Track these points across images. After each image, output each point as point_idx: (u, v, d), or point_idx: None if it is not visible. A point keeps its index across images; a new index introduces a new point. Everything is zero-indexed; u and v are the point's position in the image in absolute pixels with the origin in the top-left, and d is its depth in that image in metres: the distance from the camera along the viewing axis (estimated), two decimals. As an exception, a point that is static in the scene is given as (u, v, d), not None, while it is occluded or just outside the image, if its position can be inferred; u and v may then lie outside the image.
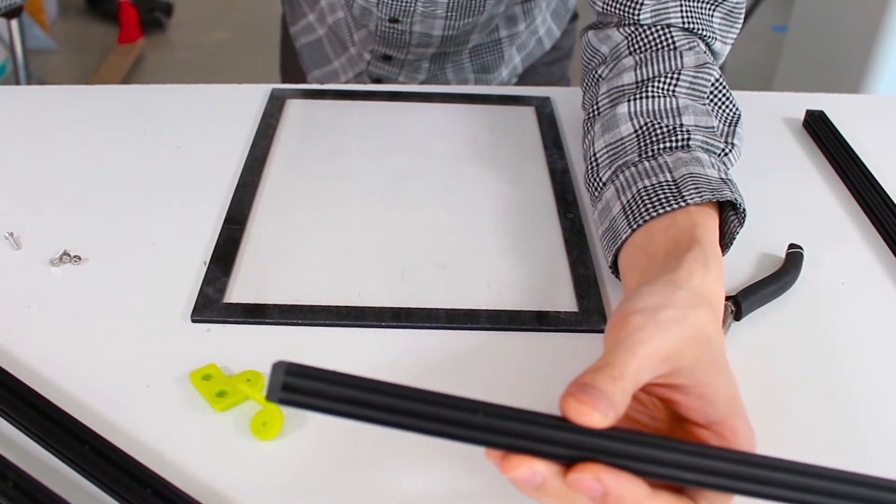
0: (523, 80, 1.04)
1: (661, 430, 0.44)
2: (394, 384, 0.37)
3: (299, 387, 0.35)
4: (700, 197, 0.53)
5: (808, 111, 0.81)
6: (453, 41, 0.92)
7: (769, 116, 0.83)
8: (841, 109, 0.82)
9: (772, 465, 0.38)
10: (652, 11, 0.65)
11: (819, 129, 0.79)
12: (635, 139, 0.59)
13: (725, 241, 0.57)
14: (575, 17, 1.07)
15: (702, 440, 0.42)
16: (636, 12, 0.65)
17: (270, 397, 0.36)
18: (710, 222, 0.53)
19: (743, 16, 0.67)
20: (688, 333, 0.42)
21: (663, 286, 0.45)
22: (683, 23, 0.65)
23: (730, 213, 0.56)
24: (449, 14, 0.86)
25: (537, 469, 0.37)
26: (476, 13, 0.87)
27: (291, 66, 1.08)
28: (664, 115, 0.60)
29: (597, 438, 0.37)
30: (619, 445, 0.37)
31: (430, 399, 0.37)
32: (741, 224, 0.56)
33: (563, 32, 1.05)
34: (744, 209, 0.55)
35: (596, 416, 0.38)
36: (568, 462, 0.37)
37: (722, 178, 0.56)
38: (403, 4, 0.85)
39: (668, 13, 0.65)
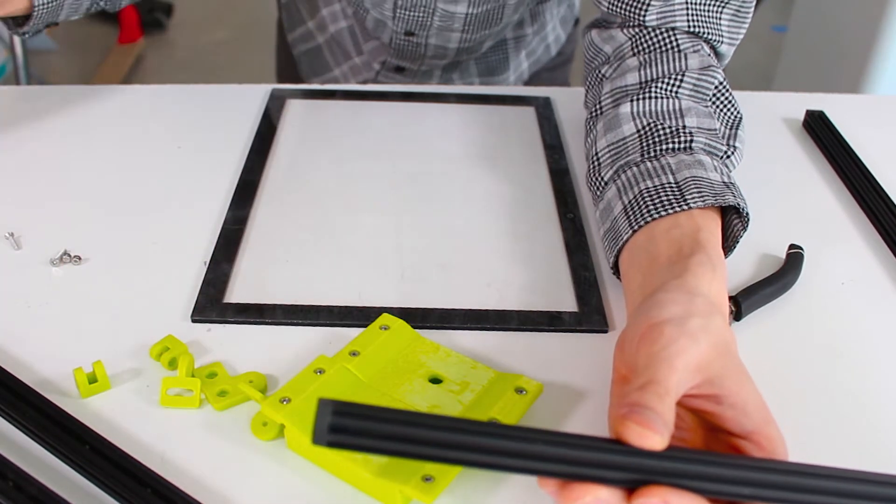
0: (527, 85, 1.04)
1: (696, 443, 0.44)
2: (447, 417, 0.36)
3: (348, 427, 0.33)
4: (703, 201, 0.53)
5: (808, 111, 0.81)
6: (468, 51, 0.92)
7: (769, 116, 0.83)
8: (841, 109, 0.82)
9: (827, 475, 0.38)
10: (658, 14, 0.64)
11: (819, 129, 0.79)
12: (637, 139, 0.59)
13: (729, 245, 0.57)
14: (577, 22, 1.07)
15: (740, 450, 0.42)
16: (642, 14, 0.65)
17: (318, 441, 0.33)
18: (713, 226, 0.53)
19: (751, 13, 0.66)
20: (713, 342, 0.42)
21: (680, 293, 0.45)
22: (689, 27, 0.64)
23: (733, 217, 0.56)
24: (466, 27, 0.86)
25: (602, 497, 0.36)
26: (493, 25, 0.87)
27: (288, 73, 1.06)
28: (667, 117, 0.60)
29: (656, 460, 0.37)
30: (678, 465, 0.37)
31: (486, 431, 0.35)
32: (745, 228, 0.56)
33: (568, 38, 1.05)
34: (747, 213, 0.55)
35: (656, 438, 0.37)
36: (628, 487, 0.37)
37: (724, 182, 0.55)
38: (420, 18, 0.85)
39: (675, 16, 0.64)
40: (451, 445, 0.35)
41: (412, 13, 0.84)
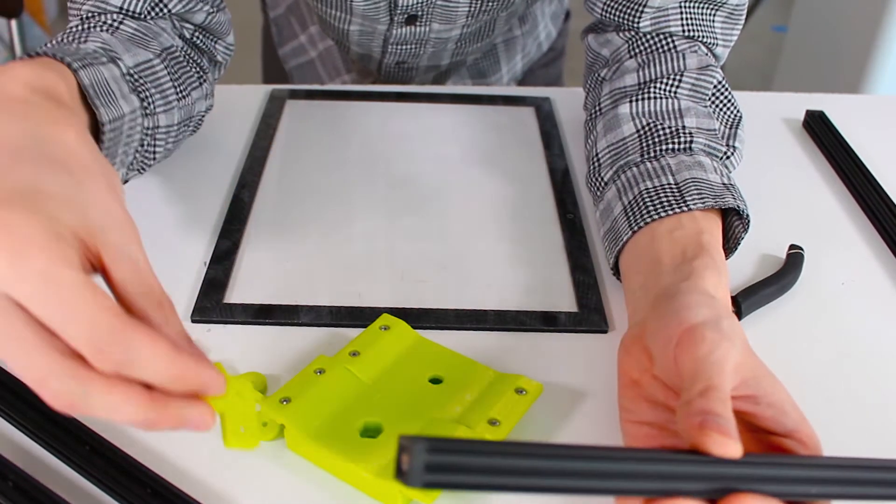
0: (521, 83, 1.04)
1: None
2: (539, 444, 0.35)
3: (445, 465, 0.32)
4: (703, 203, 0.53)
5: (808, 111, 0.81)
6: (458, 63, 0.92)
7: (769, 116, 0.83)
8: (841, 109, 0.82)
9: (886, 467, 0.38)
10: (652, 20, 0.64)
11: (819, 130, 0.79)
12: (637, 139, 0.59)
13: (730, 247, 0.57)
14: (568, 16, 1.06)
15: (784, 449, 0.42)
16: (636, 20, 0.64)
17: (412, 482, 0.31)
18: (714, 229, 0.53)
19: (745, 15, 0.66)
20: (743, 343, 0.42)
21: (700, 295, 0.45)
22: (684, 31, 0.64)
23: (734, 219, 0.56)
24: (459, 44, 0.86)
25: None
26: (485, 38, 0.87)
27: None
28: (666, 117, 0.60)
29: (735, 467, 0.37)
30: (756, 470, 0.37)
31: (578, 455, 0.35)
32: (745, 230, 0.55)
33: (559, 33, 1.05)
34: (748, 215, 0.55)
35: (736, 445, 0.37)
36: (711, 497, 0.37)
37: (724, 184, 0.55)
38: (412, 49, 0.84)
39: (669, 21, 0.64)
40: (548, 473, 0.34)
41: (404, 47, 0.84)
